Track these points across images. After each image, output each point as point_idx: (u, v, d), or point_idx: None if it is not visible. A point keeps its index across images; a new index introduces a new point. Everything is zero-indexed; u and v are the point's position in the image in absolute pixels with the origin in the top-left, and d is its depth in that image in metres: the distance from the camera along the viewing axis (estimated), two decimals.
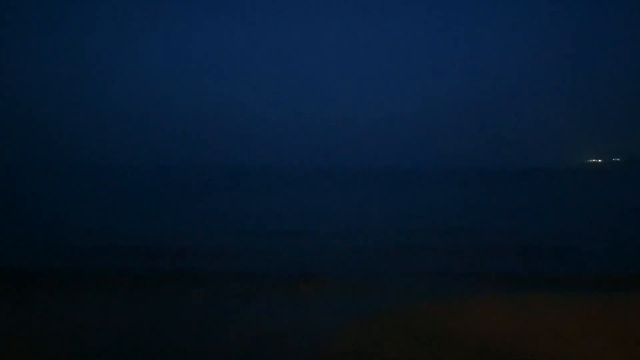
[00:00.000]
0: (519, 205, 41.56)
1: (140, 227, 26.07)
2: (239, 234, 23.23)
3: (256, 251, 19.06)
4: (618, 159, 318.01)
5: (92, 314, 11.27)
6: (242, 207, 38.07)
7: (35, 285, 13.76)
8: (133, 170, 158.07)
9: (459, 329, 9.33)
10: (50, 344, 9.27)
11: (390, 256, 18.06)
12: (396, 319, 10.15)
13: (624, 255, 18.82)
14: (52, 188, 63.29)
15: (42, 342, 9.35)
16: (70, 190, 60.07)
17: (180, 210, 34.99)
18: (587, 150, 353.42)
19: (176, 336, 9.74)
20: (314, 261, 16.85)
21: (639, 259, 17.94)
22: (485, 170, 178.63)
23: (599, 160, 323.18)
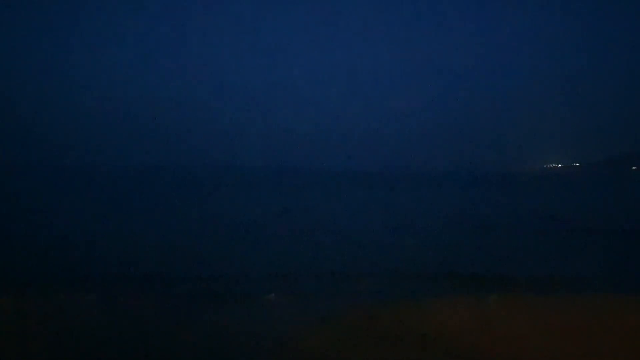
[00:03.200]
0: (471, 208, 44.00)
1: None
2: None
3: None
4: (577, 164, 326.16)
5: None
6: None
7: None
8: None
9: (425, 329, 9.44)
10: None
11: (357, 256, 18.14)
12: (364, 319, 10.25)
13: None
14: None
15: None
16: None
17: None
18: (548, 156, 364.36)
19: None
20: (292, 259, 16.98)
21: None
22: (444, 173, 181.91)
23: (559, 165, 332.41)
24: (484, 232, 26.18)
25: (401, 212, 37.55)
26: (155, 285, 13.95)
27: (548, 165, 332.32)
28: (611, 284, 14.15)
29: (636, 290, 12.80)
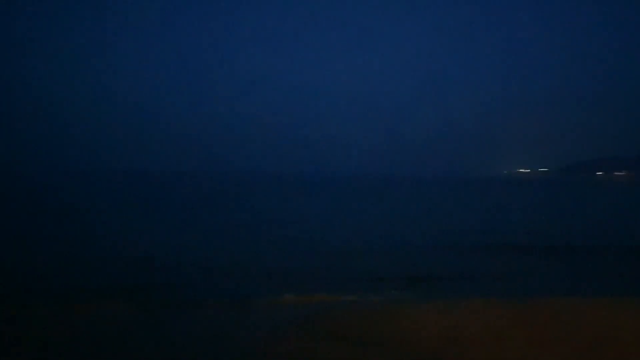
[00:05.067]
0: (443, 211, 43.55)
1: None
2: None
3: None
4: (546, 169, 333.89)
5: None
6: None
7: None
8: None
9: (391, 333, 9.49)
10: None
11: (332, 261, 18.11)
12: (330, 324, 10.20)
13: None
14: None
15: None
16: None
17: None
18: (518, 161, 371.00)
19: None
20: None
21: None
22: (422, 178, 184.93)
23: (528, 170, 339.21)
24: (441, 236, 26.17)
25: (369, 217, 37.20)
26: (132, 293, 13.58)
27: (517, 171, 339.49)
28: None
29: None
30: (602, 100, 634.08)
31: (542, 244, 22.88)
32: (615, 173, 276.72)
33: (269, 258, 18.25)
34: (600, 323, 9.63)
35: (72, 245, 20.93)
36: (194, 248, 20.47)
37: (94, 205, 42.62)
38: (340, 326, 10.04)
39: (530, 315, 10.40)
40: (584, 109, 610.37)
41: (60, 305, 11.97)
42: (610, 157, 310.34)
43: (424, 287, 14.46)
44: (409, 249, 20.75)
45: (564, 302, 11.59)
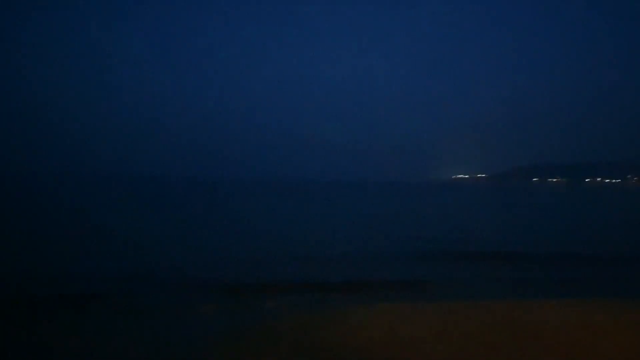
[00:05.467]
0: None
1: None
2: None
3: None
4: (483, 175, 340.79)
5: None
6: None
7: None
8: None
9: (336, 339, 9.57)
10: None
11: (273, 267, 17.59)
12: (275, 331, 10.14)
13: None
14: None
15: None
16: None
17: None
18: (457, 167, 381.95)
19: None
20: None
21: None
22: (365, 182, 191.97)
23: (466, 176, 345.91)
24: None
25: (302, 223, 35.64)
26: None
27: (456, 177, 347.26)
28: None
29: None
30: (539, 109, 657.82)
31: (474, 249, 22.88)
32: (549, 179, 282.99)
33: (201, 266, 17.48)
34: (517, 323, 10.31)
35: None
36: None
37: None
38: (275, 332, 10.07)
39: (463, 318, 10.75)
40: (522, 118, 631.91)
41: None
42: (546, 164, 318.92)
43: (360, 293, 14.17)
44: (343, 255, 20.48)
45: (499, 304, 12.03)
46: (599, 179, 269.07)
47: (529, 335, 9.41)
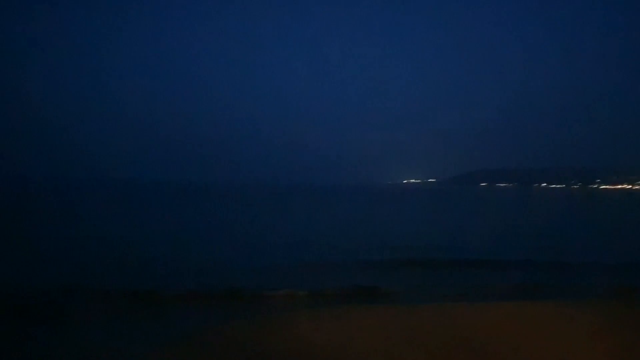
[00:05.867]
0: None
1: None
2: None
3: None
4: (434, 180, 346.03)
5: None
6: None
7: None
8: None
9: (275, 346, 9.52)
10: None
11: (212, 273, 16.90)
12: (212, 339, 9.93)
13: None
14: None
15: None
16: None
17: None
18: (410, 173, 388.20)
19: None
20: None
21: None
22: (320, 187, 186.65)
23: (418, 181, 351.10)
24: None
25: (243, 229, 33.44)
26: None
27: (407, 181, 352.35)
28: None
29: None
30: (488, 116, 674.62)
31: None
32: (497, 184, 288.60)
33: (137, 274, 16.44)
34: (458, 324, 10.57)
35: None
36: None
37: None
38: (222, 341, 9.84)
39: (415, 320, 11.09)
40: (471, 125, 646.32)
41: None
42: (495, 170, 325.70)
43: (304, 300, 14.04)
44: (284, 262, 19.92)
45: (446, 307, 12.23)
46: (544, 185, 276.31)
47: (461, 336, 9.74)
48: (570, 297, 13.61)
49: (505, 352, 8.89)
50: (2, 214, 39.07)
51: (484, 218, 49.61)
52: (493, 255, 22.06)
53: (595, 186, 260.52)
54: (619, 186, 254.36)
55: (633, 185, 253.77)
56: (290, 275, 17.22)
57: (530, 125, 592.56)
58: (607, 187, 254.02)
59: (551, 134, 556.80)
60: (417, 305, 12.43)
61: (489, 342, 9.31)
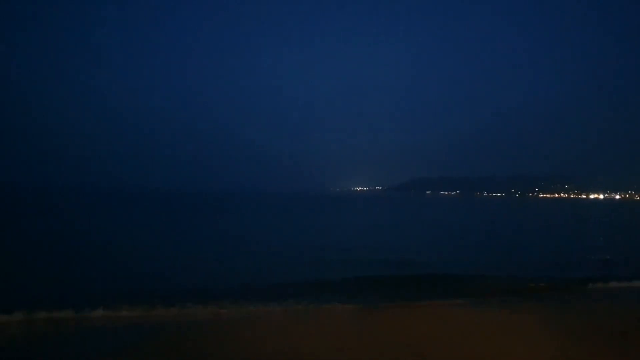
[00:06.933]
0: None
1: None
2: None
3: None
4: (380, 188, 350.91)
5: None
6: None
7: None
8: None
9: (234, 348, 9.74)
10: None
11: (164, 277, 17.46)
12: (160, 348, 9.97)
13: None
14: None
15: None
16: None
17: None
18: (357, 180, 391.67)
19: None
20: None
21: None
22: (263, 193, 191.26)
23: (365, 188, 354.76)
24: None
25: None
26: None
27: (355, 189, 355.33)
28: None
29: None
30: (434, 126, 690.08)
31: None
32: (442, 192, 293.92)
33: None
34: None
35: None
36: None
37: None
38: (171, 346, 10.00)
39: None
40: (419, 134, 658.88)
41: None
42: (439, 178, 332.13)
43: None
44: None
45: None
46: (485, 193, 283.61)
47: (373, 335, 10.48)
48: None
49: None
50: None
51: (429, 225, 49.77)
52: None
53: (533, 195, 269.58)
54: (556, 195, 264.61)
55: (569, 194, 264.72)
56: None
57: (473, 135, 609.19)
58: (546, 195, 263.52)
59: (496, 143, 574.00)
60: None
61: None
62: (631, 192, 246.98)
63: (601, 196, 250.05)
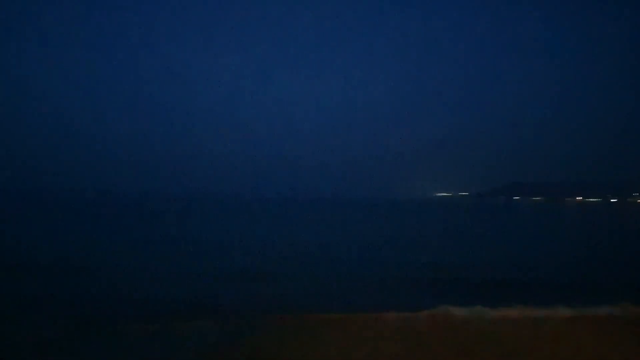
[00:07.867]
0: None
1: None
2: None
3: None
4: (466, 193, 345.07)
5: None
6: None
7: None
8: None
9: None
10: None
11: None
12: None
13: None
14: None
15: None
16: None
17: None
18: (438, 185, 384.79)
19: None
20: None
21: None
22: (347, 199, 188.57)
23: (449, 194, 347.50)
24: None
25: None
26: None
27: (438, 194, 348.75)
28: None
29: None
30: (521, 130, 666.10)
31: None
32: (532, 198, 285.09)
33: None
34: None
35: None
36: None
37: None
38: None
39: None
40: (508, 139, 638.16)
41: None
42: (526, 183, 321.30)
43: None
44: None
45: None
46: (579, 198, 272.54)
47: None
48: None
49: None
50: None
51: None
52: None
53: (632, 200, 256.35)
54: None
55: None
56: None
57: (563, 139, 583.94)
58: None
59: (583, 146, 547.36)
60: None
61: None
62: None
63: None
